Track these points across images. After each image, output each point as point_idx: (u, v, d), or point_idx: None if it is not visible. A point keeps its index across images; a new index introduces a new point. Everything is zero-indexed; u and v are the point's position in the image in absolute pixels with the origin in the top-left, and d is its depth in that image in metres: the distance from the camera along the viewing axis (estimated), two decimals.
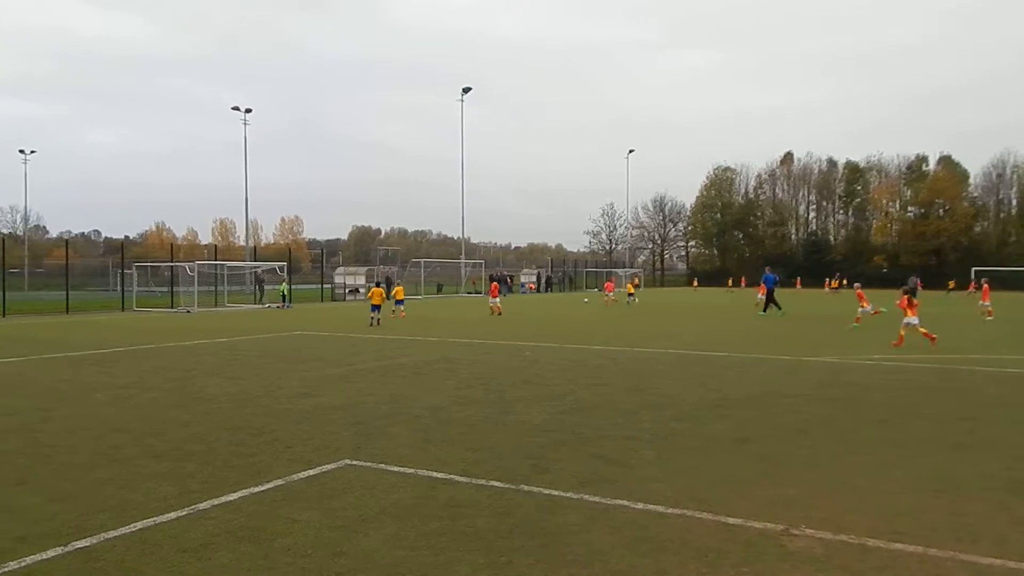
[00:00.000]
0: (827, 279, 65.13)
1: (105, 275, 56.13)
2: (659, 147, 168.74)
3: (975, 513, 5.62)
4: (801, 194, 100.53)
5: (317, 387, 11.54)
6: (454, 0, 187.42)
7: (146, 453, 7.35)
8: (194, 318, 29.90)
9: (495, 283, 38.42)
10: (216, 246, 61.37)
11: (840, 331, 22.14)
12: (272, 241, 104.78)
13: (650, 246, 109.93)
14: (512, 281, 66.39)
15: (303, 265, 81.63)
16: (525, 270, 77.60)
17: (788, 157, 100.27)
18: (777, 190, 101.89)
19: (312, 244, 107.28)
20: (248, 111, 64.72)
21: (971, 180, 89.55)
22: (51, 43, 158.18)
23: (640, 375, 13.08)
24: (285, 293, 39.79)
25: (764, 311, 30.51)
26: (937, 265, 77.98)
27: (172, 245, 52.78)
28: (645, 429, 8.52)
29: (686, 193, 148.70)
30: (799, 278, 70.26)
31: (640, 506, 5.72)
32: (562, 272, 78.88)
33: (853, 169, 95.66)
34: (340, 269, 55.62)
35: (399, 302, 29.60)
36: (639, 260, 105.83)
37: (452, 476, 6.53)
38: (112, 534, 5.09)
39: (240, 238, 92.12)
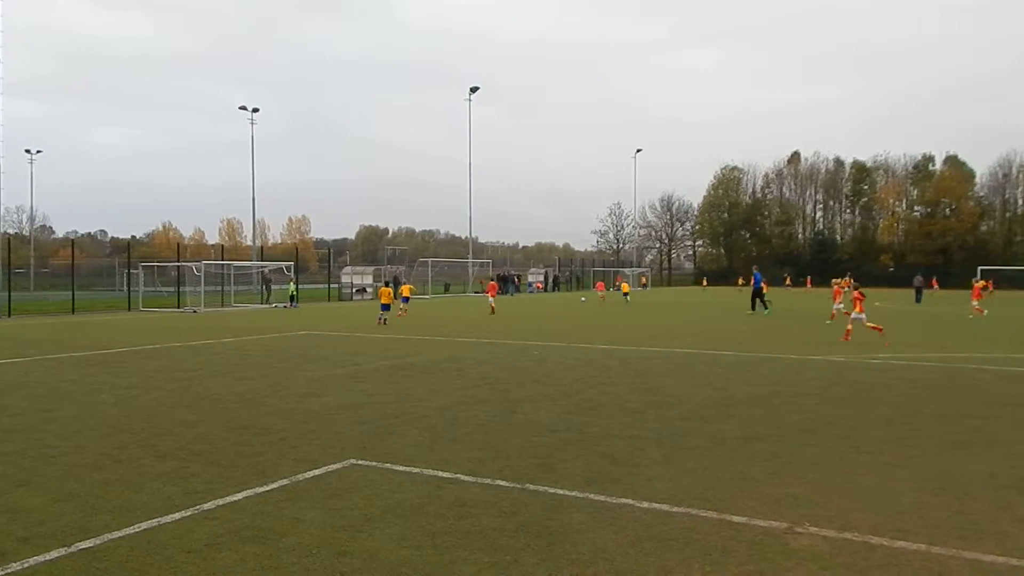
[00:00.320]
0: (833, 280, 64.52)
1: (111, 275, 56.35)
2: (666, 147, 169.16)
3: (979, 511, 5.61)
4: (808, 193, 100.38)
5: (323, 387, 11.55)
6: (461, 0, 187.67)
7: (151, 453, 7.36)
8: (201, 318, 29.95)
9: (493, 283, 38.86)
10: (223, 246, 61.56)
11: (841, 331, 22.00)
12: (279, 241, 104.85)
13: (657, 245, 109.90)
14: (519, 281, 66.44)
15: (310, 265, 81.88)
16: (532, 269, 77.70)
17: (795, 156, 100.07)
18: (784, 189, 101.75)
19: (319, 244, 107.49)
20: (255, 111, 64.68)
21: (977, 180, 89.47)
22: (58, 43, 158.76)
23: (647, 374, 13.06)
24: (294, 293, 39.90)
25: (752, 309, 31.46)
26: (943, 264, 77.79)
27: (179, 245, 53.06)
28: (651, 428, 8.51)
29: (693, 192, 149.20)
30: (808, 277, 69.94)
31: (645, 505, 5.71)
32: (569, 271, 78.88)
33: (860, 168, 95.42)
34: (347, 269, 55.44)
35: (405, 299, 29.74)
36: (646, 259, 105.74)
37: (458, 475, 6.53)
38: (116, 534, 5.09)
39: (247, 238, 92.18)
